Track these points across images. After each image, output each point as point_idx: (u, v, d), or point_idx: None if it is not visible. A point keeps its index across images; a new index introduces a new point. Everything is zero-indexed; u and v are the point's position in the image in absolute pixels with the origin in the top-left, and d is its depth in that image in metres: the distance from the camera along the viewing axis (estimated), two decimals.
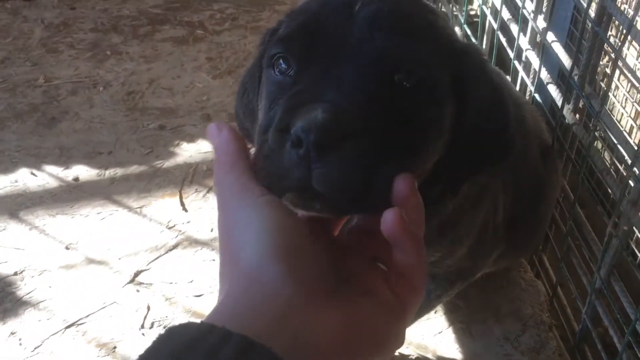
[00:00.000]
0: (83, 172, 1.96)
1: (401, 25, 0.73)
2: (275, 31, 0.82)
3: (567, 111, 1.35)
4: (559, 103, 1.37)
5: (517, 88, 1.70)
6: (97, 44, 2.57)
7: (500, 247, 1.25)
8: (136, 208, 1.82)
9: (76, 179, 1.93)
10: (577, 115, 1.35)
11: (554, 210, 1.46)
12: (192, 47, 2.56)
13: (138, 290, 1.58)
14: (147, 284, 1.60)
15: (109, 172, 1.95)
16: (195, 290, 1.58)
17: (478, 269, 1.27)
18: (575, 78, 1.29)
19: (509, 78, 1.88)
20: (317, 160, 0.60)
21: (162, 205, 1.83)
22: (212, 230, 1.75)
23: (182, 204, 1.84)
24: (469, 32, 1.99)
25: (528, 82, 1.56)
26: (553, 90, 1.41)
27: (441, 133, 0.76)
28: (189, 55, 2.52)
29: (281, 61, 0.74)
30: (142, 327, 1.50)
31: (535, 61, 1.50)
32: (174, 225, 1.77)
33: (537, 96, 1.50)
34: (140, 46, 2.56)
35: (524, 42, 1.57)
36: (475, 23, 2.06)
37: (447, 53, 0.77)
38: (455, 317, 1.48)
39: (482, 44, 1.91)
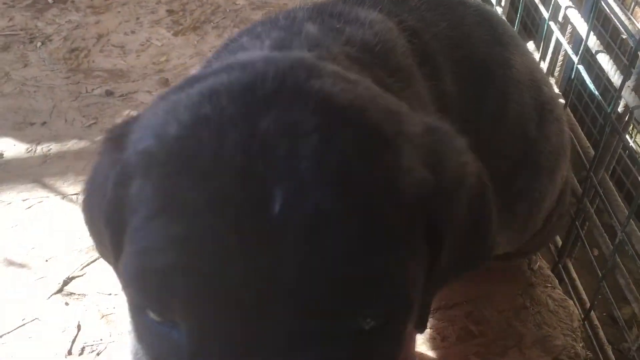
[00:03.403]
0: (9, 146, 1.61)
1: (355, 235, 0.47)
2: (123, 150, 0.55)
3: (627, 91, 1.03)
4: (616, 80, 1.04)
5: (548, 59, 1.37)
6: None
7: None
8: (72, 195, 1.49)
9: (0, 155, 1.58)
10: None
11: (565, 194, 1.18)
12: None
13: (67, 303, 1.25)
14: (79, 294, 1.27)
15: (41, 148, 1.60)
16: None
17: None
18: None
19: (531, 46, 1.55)
20: None
21: None
22: None
23: None
24: None
25: (568, 49, 1.23)
26: (606, 62, 1.09)
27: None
28: (146, 6, 2.15)
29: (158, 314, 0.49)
30: (70, 353, 1.18)
31: (579, 23, 1.17)
32: None
33: (581, 69, 1.17)
34: None
35: None
36: None
37: (415, 208, 0.52)
38: (469, 348, 1.18)
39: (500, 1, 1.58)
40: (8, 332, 1.20)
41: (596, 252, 1.77)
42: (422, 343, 1.19)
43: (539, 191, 1.06)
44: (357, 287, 0.47)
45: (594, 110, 1.66)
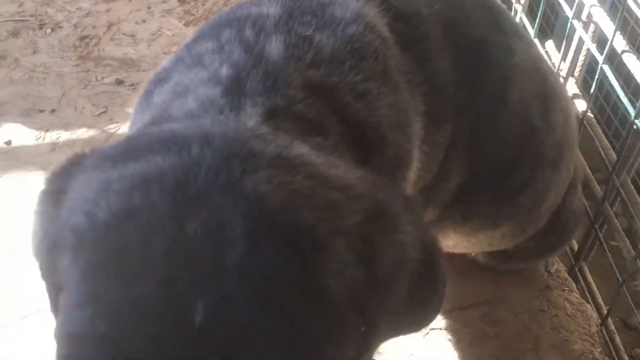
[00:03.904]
0: (17, 133, 1.58)
1: (277, 348, 0.46)
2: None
3: None
4: None
5: (570, 59, 1.35)
6: None
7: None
8: None
9: (8, 143, 1.56)
10: None
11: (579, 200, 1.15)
12: None
13: None
14: None
15: (50, 136, 1.58)
16: None
17: None
18: None
19: (550, 46, 1.53)
20: None
21: None
22: None
23: None
24: None
25: (593, 48, 1.21)
26: (632, 62, 1.06)
27: None
28: None
29: None
30: None
31: (605, 22, 1.15)
32: None
33: (606, 69, 1.15)
34: None
35: None
36: None
37: (346, 306, 0.50)
38: (484, 350, 1.16)
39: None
40: (25, 317, 1.18)
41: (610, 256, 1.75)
42: (436, 344, 1.17)
43: (542, 182, 1.04)
44: None
45: (608, 114, 1.64)
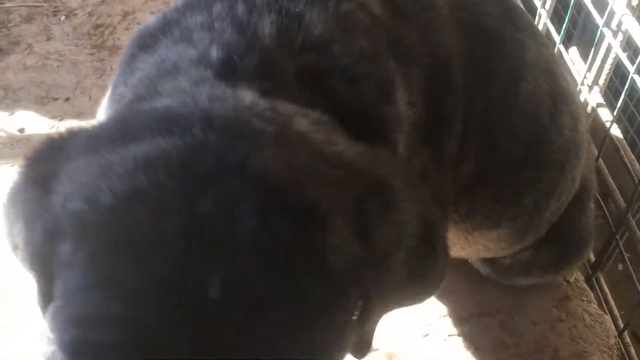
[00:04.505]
0: (31, 121, 1.56)
1: (289, 318, 0.49)
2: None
3: None
4: None
5: (596, 67, 1.34)
6: None
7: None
8: None
9: (21, 130, 1.54)
10: None
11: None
12: None
13: None
14: None
15: (64, 124, 1.55)
16: None
17: None
18: None
19: (573, 54, 1.51)
20: None
21: None
22: None
23: None
24: None
25: (624, 58, 1.19)
26: None
27: None
28: None
29: None
30: None
31: (637, 31, 1.14)
32: None
33: (637, 79, 1.14)
34: None
35: (619, 3, 1.20)
36: None
37: (346, 280, 0.52)
38: (503, 359, 1.15)
39: (545, 3, 1.54)
40: (25, 317, 1.16)
41: (620, 267, 1.74)
42: (455, 351, 1.16)
43: (546, 184, 1.02)
44: None
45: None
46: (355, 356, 0.65)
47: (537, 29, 1.03)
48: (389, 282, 0.58)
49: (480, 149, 0.93)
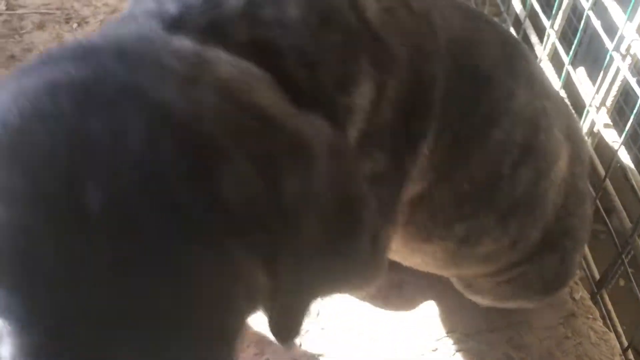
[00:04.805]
0: None
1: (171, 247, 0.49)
2: None
3: None
4: None
5: (604, 90, 1.37)
6: None
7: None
8: None
9: None
10: None
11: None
12: None
13: None
14: None
15: None
16: None
17: None
18: None
19: (581, 74, 1.54)
20: None
21: None
22: None
23: None
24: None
25: (633, 82, 1.22)
26: None
27: None
28: None
29: None
30: None
31: None
32: None
33: None
34: None
35: (629, 28, 1.23)
36: None
37: (248, 223, 0.52)
38: None
39: (554, 23, 1.57)
40: None
41: (622, 283, 1.77)
42: None
43: (481, 224, 1.01)
44: None
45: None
46: (278, 341, 0.63)
47: (539, 80, 1.02)
48: (302, 244, 0.57)
49: (436, 174, 0.93)
